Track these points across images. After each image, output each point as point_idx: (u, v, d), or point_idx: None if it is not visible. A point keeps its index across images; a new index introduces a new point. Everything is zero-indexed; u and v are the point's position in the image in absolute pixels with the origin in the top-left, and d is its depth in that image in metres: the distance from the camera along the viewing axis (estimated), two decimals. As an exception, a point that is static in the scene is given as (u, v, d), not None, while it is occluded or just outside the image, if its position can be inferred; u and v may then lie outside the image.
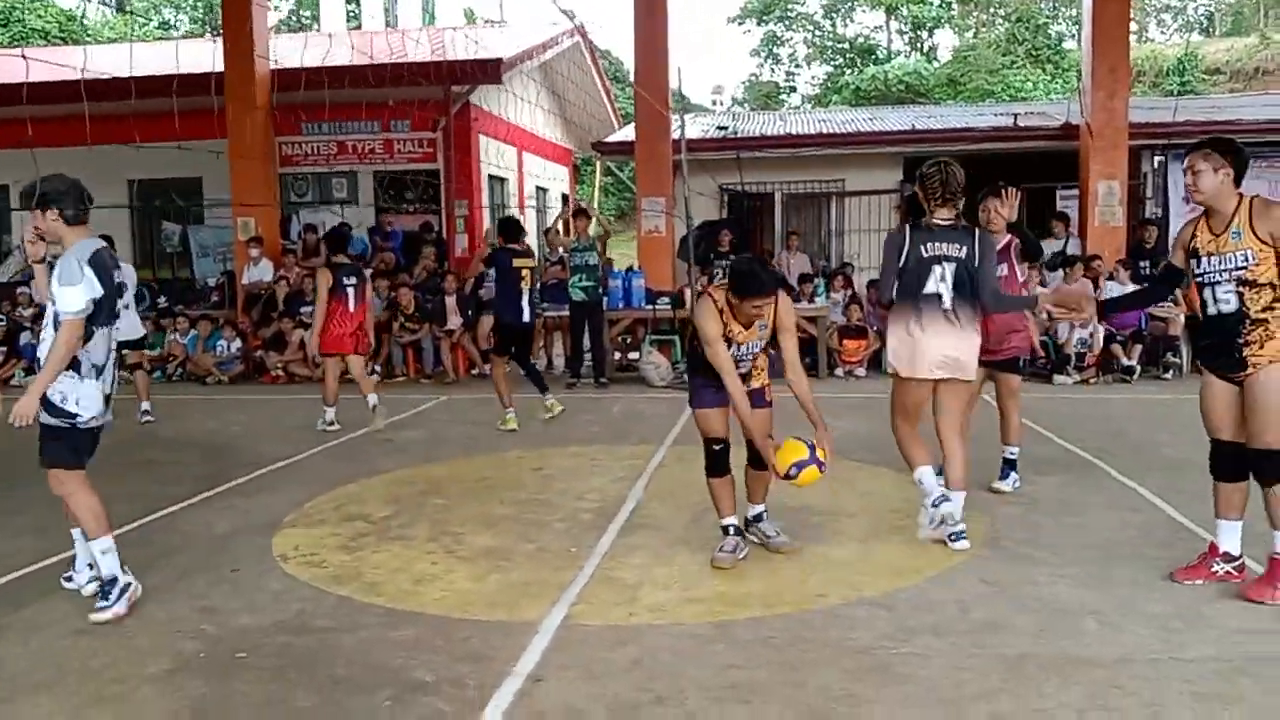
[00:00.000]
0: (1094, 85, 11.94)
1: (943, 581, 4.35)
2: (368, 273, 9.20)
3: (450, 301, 11.82)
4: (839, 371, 11.21)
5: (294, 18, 32.45)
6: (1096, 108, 11.91)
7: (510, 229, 8.48)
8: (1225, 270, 3.96)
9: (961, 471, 4.82)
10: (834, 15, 36.01)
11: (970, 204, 5.35)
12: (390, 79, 11.67)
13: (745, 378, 4.58)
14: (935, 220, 4.77)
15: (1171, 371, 10.65)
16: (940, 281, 4.67)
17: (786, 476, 4.46)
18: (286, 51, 13.08)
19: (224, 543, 5.21)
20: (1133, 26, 34.37)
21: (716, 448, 4.69)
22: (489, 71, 13.49)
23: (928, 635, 3.75)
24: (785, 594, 4.26)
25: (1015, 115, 14.28)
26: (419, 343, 11.76)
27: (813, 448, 4.43)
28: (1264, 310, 3.90)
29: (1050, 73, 28.88)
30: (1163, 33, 39.17)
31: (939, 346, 4.68)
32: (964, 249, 4.70)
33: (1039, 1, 33.16)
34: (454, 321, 11.75)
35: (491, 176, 15.73)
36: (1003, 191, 5.62)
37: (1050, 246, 11.36)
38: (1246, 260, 3.91)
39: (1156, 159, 13.09)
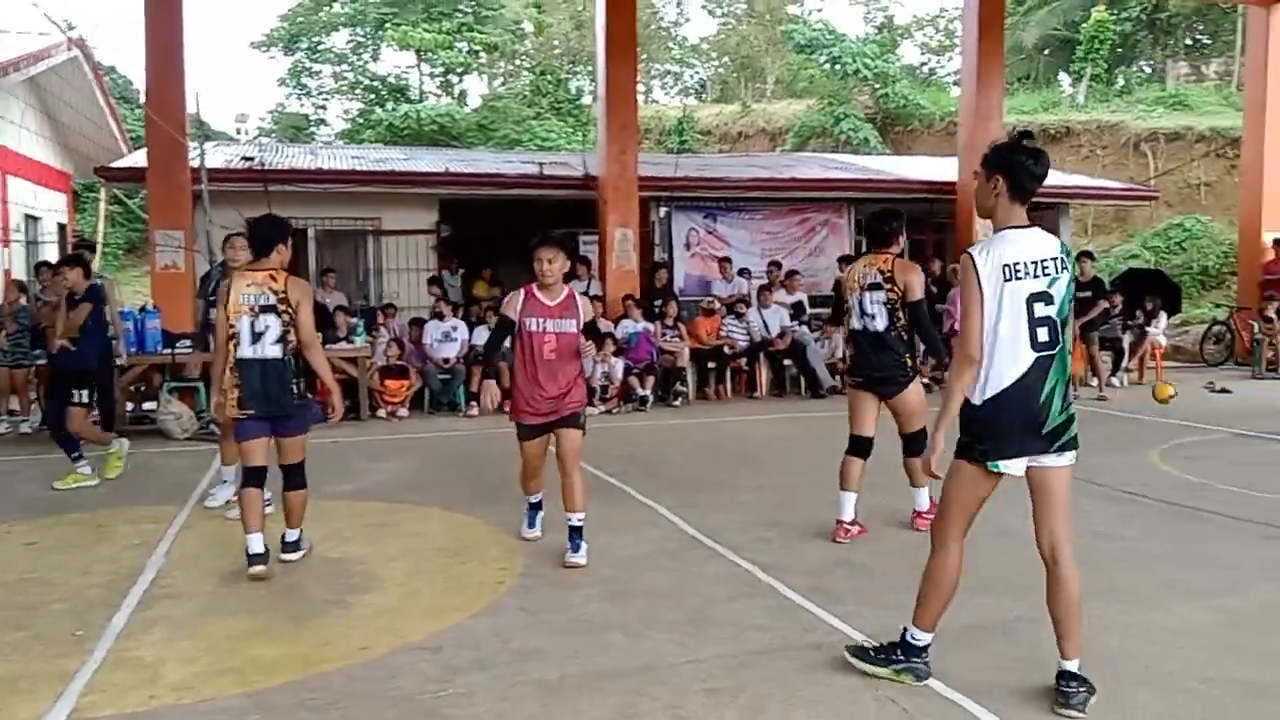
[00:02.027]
0: (608, 140, 13.06)
1: (486, 615, 4.45)
2: None
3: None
4: (381, 412, 11.07)
5: None
6: (611, 161, 13.03)
7: None
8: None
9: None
10: (362, 51, 35.79)
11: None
12: None
13: None
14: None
15: (680, 399, 11.90)
16: None
17: None
18: None
19: None
20: (641, 88, 38.32)
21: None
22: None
23: (472, 672, 3.82)
24: (327, 651, 4.09)
25: (541, 164, 15.16)
26: None
27: None
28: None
29: (572, 125, 31.01)
30: (666, 94, 43.97)
31: None
32: None
33: (559, 58, 35.64)
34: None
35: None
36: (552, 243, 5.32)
37: (576, 287, 12.19)
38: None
39: (663, 209, 14.61)
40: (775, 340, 12.59)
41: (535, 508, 5.76)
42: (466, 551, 5.49)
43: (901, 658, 3.63)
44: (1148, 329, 13.60)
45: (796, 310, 13.17)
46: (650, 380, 11.68)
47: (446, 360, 11.50)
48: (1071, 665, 3.42)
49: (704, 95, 42.54)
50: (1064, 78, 33.42)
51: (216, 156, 13.98)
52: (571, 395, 5.27)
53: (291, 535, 5.33)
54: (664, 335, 12.19)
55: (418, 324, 11.98)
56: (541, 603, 4.60)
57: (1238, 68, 26.73)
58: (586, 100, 32.07)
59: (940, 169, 16.74)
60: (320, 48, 35.94)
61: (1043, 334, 3.36)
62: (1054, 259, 3.38)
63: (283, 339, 5.12)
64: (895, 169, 17.77)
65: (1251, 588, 4.68)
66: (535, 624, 4.33)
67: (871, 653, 3.71)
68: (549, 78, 33.26)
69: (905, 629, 3.65)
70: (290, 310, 5.13)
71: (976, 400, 3.42)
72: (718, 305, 12.98)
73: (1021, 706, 3.46)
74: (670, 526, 5.99)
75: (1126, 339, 13.19)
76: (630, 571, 5.04)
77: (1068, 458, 3.45)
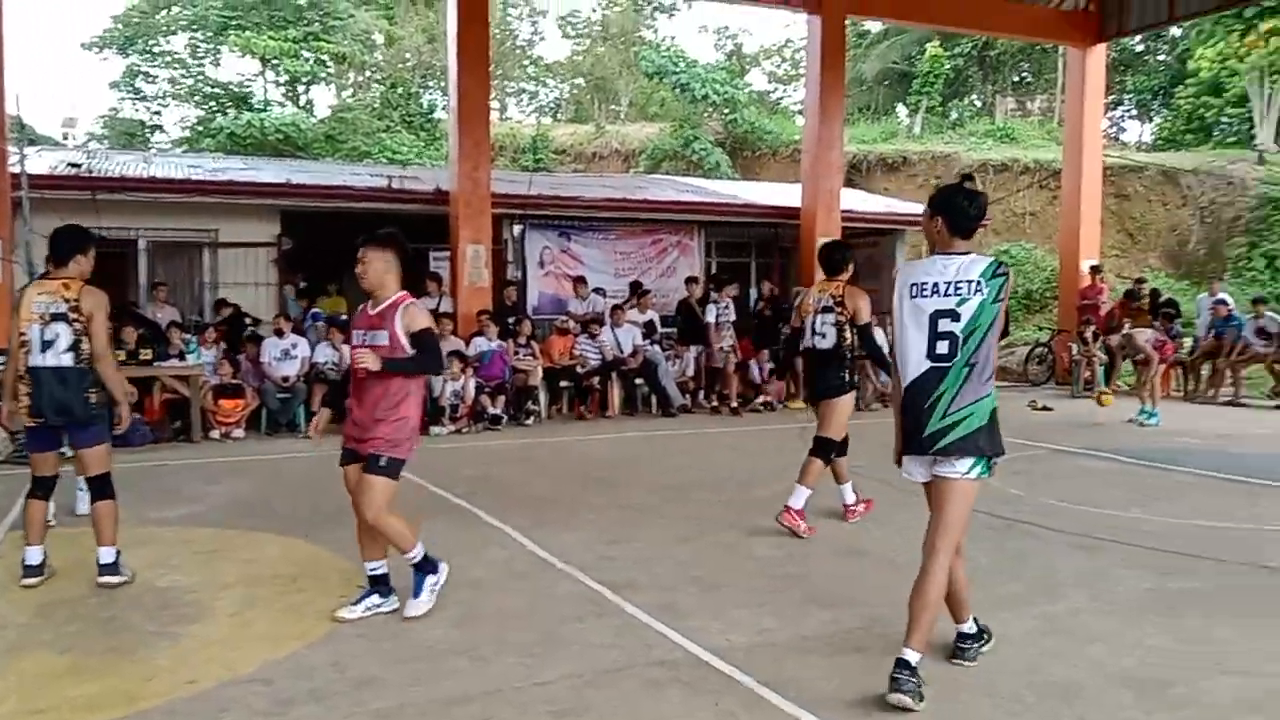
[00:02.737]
0: (460, 156, 12.92)
1: (323, 644, 4.29)
2: None
3: None
4: (215, 433, 10.58)
5: None
6: (463, 177, 12.88)
7: None
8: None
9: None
10: (202, 56, 34.31)
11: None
12: None
13: None
14: None
15: (532, 418, 11.83)
16: None
17: None
18: None
19: None
20: (495, 105, 38.08)
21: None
22: None
23: (307, 704, 3.67)
24: (151, 686, 3.86)
25: (390, 178, 14.86)
26: None
27: None
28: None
29: (424, 139, 30.53)
30: (521, 113, 43.85)
31: None
32: None
33: (411, 71, 35.01)
34: None
35: None
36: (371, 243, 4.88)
37: (427, 303, 12.01)
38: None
39: (516, 227, 14.55)
40: (627, 359, 12.69)
41: (374, 583, 4.71)
42: (303, 578, 5.29)
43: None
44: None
45: (648, 329, 13.31)
46: (501, 399, 11.57)
47: (286, 379, 11.09)
48: (909, 654, 3.62)
49: (559, 115, 42.66)
50: (901, 109, 35.11)
51: (40, 162, 13.14)
52: (376, 429, 4.50)
53: (106, 556, 5.09)
54: (517, 354, 12.11)
55: (255, 341, 11.52)
56: (382, 630, 4.47)
57: (1059, 104, 28.67)
58: (440, 115, 31.63)
59: (786, 195, 17.28)
60: (157, 51, 34.28)
61: (942, 346, 3.72)
62: (970, 281, 3.71)
63: (74, 348, 5.04)
64: (744, 194, 18.26)
65: (1065, 595, 4.98)
66: (375, 652, 4.20)
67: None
68: (400, 90, 32.68)
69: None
70: (82, 320, 5.05)
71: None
72: (572, 324, 13.00)
73: (858, 718, 3.57)
74: (519, 547, 5.94)
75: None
76: (477, 594, 4.96)
77: (956, 469, 3.74)
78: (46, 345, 5.03)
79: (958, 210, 3.82)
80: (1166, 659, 4.08)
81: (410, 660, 4.10)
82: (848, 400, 6.41)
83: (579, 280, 13.90)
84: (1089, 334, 14.88)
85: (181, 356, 10.66)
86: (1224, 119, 28.71)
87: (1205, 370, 14.37)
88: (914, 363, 3.77)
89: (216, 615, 4.70)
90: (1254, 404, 13.51)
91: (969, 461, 3.73)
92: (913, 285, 3.78)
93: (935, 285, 3.74)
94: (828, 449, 6.30)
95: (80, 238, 5.29)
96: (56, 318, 5.03)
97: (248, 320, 12.41)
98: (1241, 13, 23.20)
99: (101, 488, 5.19)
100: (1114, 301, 15.49)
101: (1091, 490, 7.64)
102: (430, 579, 4.71)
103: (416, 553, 4.66)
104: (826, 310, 6.25)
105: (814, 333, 6.30)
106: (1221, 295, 14.93)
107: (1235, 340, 13.83)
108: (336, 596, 4.94)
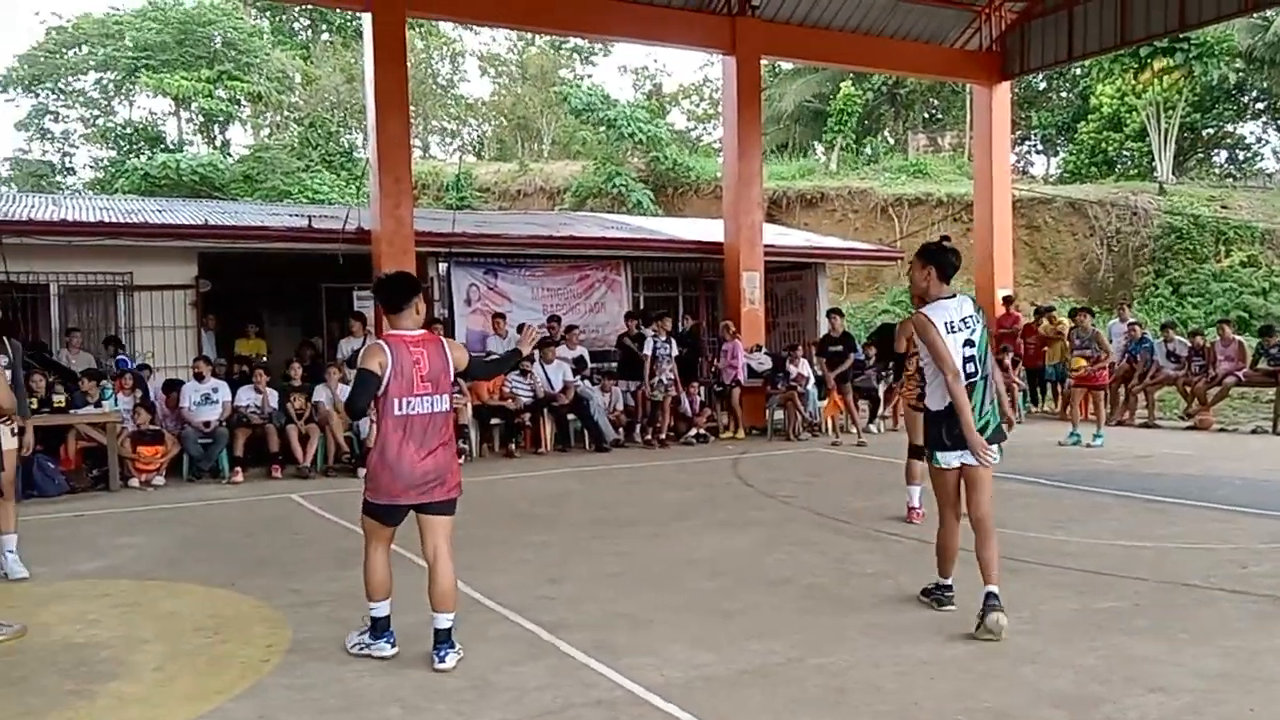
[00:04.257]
0: (382, 194, 12.79)
1: (249, 697, 4.16)
2: None
3: None
4: (134, 482, 10.24)
5: None
6: (385, 215, 12.75)
7: None
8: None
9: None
10: (115, 96, 33.56)
11: None
12: None
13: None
14: None
15: (463, 457, 11.65)
16: None
17: None
18: None
19: None
20: (417, 144, 37.94)
21: None
22: None
23: (233, 760, 3.55)
24: (64, 749, 3.70)
25: (310, 217, 14.65)
26: None
27: None
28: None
29: (345, 178, 30.23)
30: (444, 151, 43.74)
31: None
32: None
33: (330, 110, 34.72)
34: None
35: None
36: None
37: (350, 345, 11.86)
38: None
39: (442, 265, 14.43)
40: (559, 395, 12.64)
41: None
42: (227, 629, 5.13)
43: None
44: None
45: (578, 365, 13.30)
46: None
47: (207, 424, 10.80)
48: (995, 588, 4.74)
49: (482, 153, 42.68)
50: (818, 146, 35.90)
51: (-61, 205, 12.66)
52: (453, 471, 4.75)
53: None
54: (444, 393, 11.96)
55: (174, 386, 11.21)
56: (310, 679, 4.35)
57: (968, 140, 29.61)
58: (360, 154, 31.38)
59: (709, 230, 17.48)
60: (66, 90, 33.47)
61: (969, 367, 4.87)
62: (969, 316, 4.93)
63: None
64: (669, 229, 18.41)
65: (995, 617, 5.06)
66: (303, 703, 4.08)
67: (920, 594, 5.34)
68: (319, 130, 32.38)
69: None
70: None
71: (936, 408, 4.93)
72: (499, 362, 12.89)
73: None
74: (450, 589, 5.83)
75: (881, 388, 14.12)
76: (406, 640, 4.83)
77: (992, 457, 4.87)
78: None
79: (946, 262, 4.97)
80: (1095, 678, 4.18)
81: (339, 710, 3.99)
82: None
83: (498, 316, 13.82)
84: (1008, 360, 15.27)
85: (98, 404, 10.31)
86: (1125, 152, 29.98)
87: (1120, 394, 14.84)
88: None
89: (137, 671, 4.52)
90: (1168, 425, 13.99)
91: (995, 448, 4.87)
92: (945, 323, 4.86)
93: (952, 323, 4.86)
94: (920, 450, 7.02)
95: None
96: None
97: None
98: (1137, 51, 24.30)
99: None
100: (1025, 325, 16.05)
101: (1014, 513, 7.81)
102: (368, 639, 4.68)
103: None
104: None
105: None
106: (1132, 319, 15.50)
107: (1148, 364, 14.33)
108: (262, 645, 4.81)
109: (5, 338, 5.93)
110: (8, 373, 5.65)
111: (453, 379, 4.73)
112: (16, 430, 5.94)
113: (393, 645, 4.62)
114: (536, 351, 13.05)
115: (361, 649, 4.65)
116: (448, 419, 4.69)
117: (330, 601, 5.63)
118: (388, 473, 4.49)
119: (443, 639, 4.46)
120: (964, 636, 4.71)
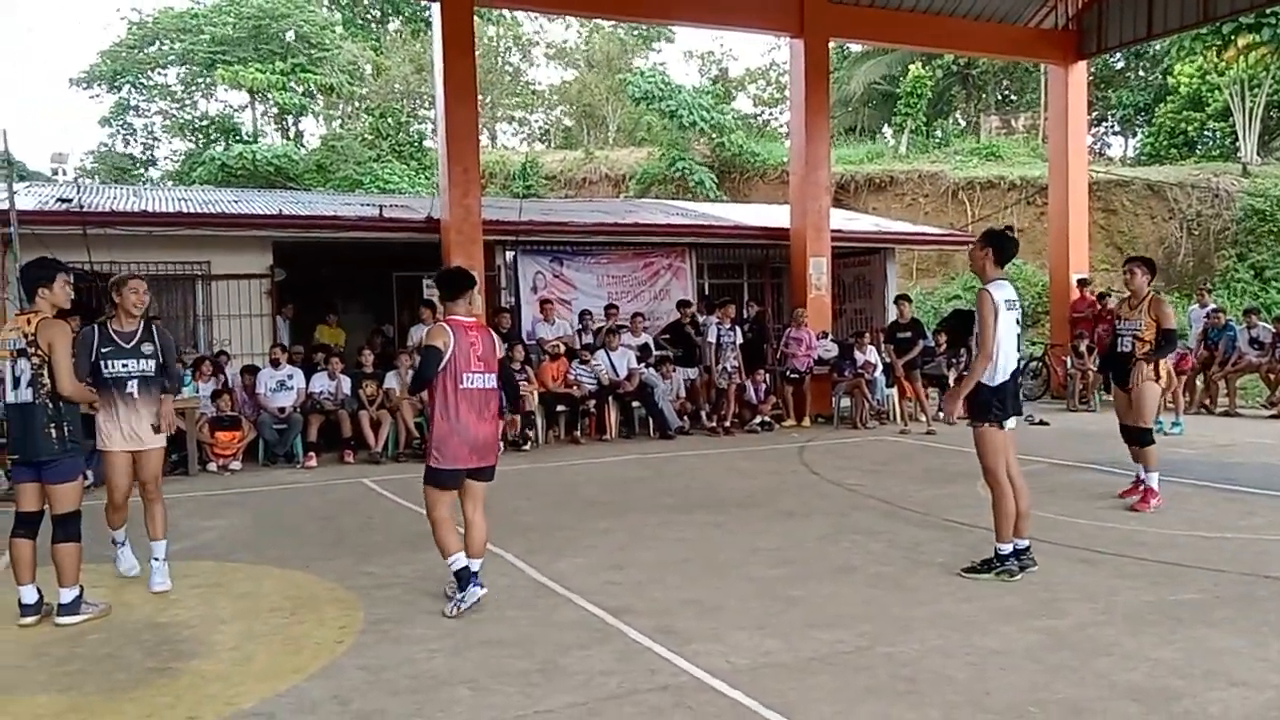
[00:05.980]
0: (450, 184, 12.94)
1: (324, 677, 4.26)
2: None
3: None
4: (212, 466, 10.54)
5: None
6: (453, 205, 12.91)
7: None
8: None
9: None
10: (193, 89, 34.43)
11: None
12: None
13: None
14: None
15: (529, 444, 11.81)
16: None
17: None
18: None
19: None
20: (484, 132, 38.23)
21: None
22: None
23: (309, 737, 3.64)
24: (149, 723, 3.83)
25: (381, 207, 14.88)
26: None
27: None
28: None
29: (414, 168, 30.60)
30: (511, 139, 44.07)
31: None
32: None
33: (400, 100, 35.19)
34: None
35: None
36: None
37: (419, 332, 12.03)
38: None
39: (508, 253, 14.56)
40: (623, 382, 12.69)
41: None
42: (302, 610, 5.26)
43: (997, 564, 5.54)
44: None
45: (643, 352, 13.32)
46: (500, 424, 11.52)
47: (282, 410, 11.07)
48: (1022, 543, 5.56)
49: (548, 141, 42.88)
50: (887, 129, 35.35)
51: (29, 198, 13.13)
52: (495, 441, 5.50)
53: (66, 596, 5.10)
54: (511, 379, 12.07)
55: (251, 372, 11.50)
56: (382, 660, 4.44)
57: (1042, 121, 28.90)
58: (429, 143, 31.75)
59: (775, 216, 17.34)
60: (146, 85, 34.41)
61: (1021, 343, 5.53)
62: (1015, 299, 5.61)
63: (34, 383, 5.04)
64: (733, 215, 18.31)
65: (1069, 609, 4.97)
66: (376, 683, 4.17)
67: (979, 565, 5.61)
68: (389, 120, 32.81)
69: (994, 546, 5.58)
70: (40, 353, 5.04)
71: (995, 382, 5.46)
72: (561, 349, 12.97)
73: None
74: (518, 574, 5.91)
75: (952, 376, 13.89)
76: (477, 622, 4.93)
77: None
78: (16, 382, 5.07)
79: (1004, 248, 5.56)
80: (1173, 671, 4.07)
81: (411, 691, 4.07)
82: (1152, 389, 7.45)
83: (545, 303, 13.87)
84: (1083, 347, 14.92)
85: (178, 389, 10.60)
86: (1207, 132, 28.96)
87: (1199, 381, 14.40)
88: (1014, 357, 5.58)
89: (216, 650, 4.67)
90: (1249, 414, 13.55)
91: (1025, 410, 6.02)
92: (1006, 301, 5.46)
93: (1011, 302, 5.50)
94: (1146, 436, 7.46)
95: (42, 271, 5.29)
96: (20, 354, 5.06)
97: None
98: (1219, 28, 23.43)
99: (66, 528, 5.13)
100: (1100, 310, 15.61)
101: (1090, 502, 7.65)
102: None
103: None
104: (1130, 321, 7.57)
105: (1119, 338, 7.63)
106: (1213, 305, 15.02)
107: (1229, 351, 13.88)
108: (336, 627, 4.92)
109: (154, 326, 6.07)
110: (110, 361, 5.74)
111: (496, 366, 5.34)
112: (160, 426, 6.03)
113: (482, 587, 5.13)
114: (593, 339, 13.12)
115: (458, 606, 5.04)
116: (496, 396, 5.31)
117: (402, 584, 5.74)
118: (455, 438, 5.11)
119: (477, 579, 5.15)
120: (1037, 630, 4.63)
